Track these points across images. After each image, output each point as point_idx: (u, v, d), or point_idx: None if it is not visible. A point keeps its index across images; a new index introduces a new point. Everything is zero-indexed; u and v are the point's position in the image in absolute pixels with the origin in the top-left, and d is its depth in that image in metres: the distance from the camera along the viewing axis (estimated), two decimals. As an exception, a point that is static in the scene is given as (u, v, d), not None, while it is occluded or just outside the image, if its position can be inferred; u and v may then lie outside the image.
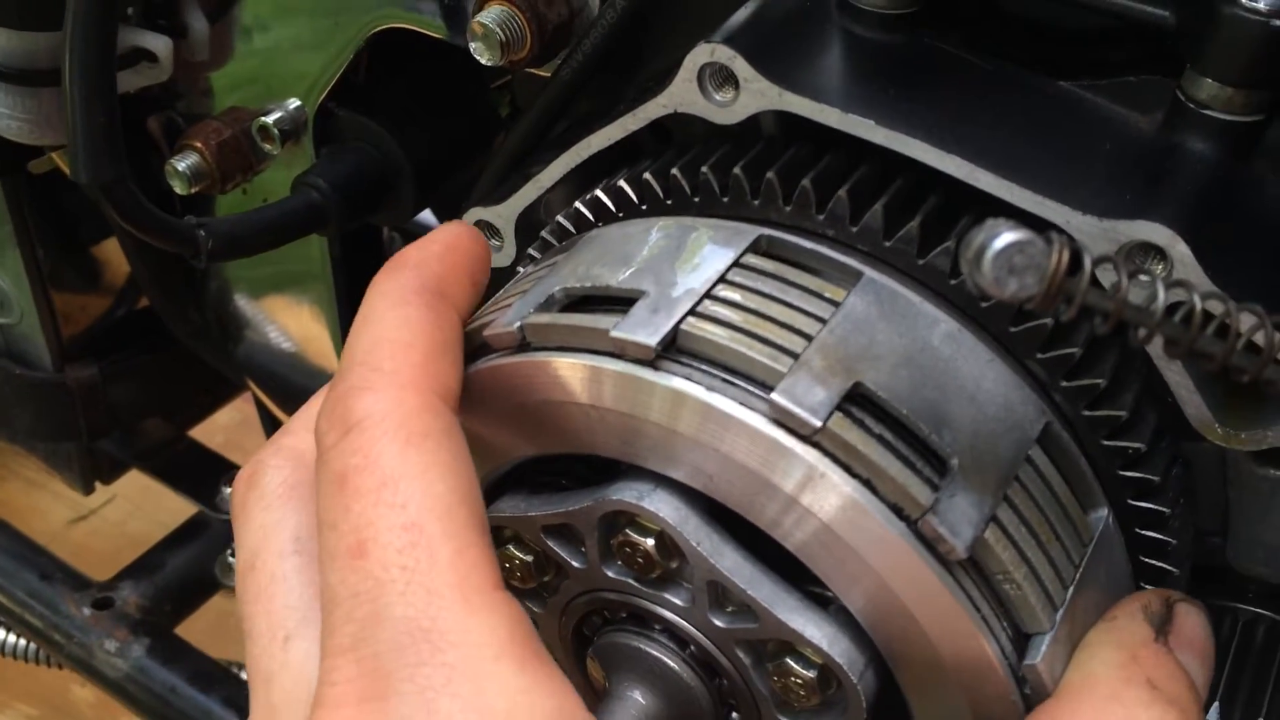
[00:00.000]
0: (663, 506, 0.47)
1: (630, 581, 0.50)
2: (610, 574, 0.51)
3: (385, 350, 0.46)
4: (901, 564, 0.43)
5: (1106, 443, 0.49)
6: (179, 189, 0.81)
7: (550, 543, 0.52)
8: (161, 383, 1.12)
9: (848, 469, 0.43)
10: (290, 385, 1.02)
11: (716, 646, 0.50)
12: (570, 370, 0.47)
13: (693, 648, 0.51)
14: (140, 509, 1.75)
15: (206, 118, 0.84)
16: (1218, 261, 0.46)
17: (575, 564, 0.52)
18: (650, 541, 0.48)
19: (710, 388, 0.44)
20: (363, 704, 0.40)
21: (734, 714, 0.52)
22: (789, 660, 0.47)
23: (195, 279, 1.01)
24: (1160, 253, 0.46)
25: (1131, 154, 0.51)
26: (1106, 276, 0.41)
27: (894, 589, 0.44)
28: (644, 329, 0.45)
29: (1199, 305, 0.37)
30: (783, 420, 0.43)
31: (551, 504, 0.51)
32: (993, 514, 0.44)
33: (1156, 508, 0.50)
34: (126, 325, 1.11)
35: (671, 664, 0.51)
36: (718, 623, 0.49)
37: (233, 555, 1.10)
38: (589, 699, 0.57)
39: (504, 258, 0.66)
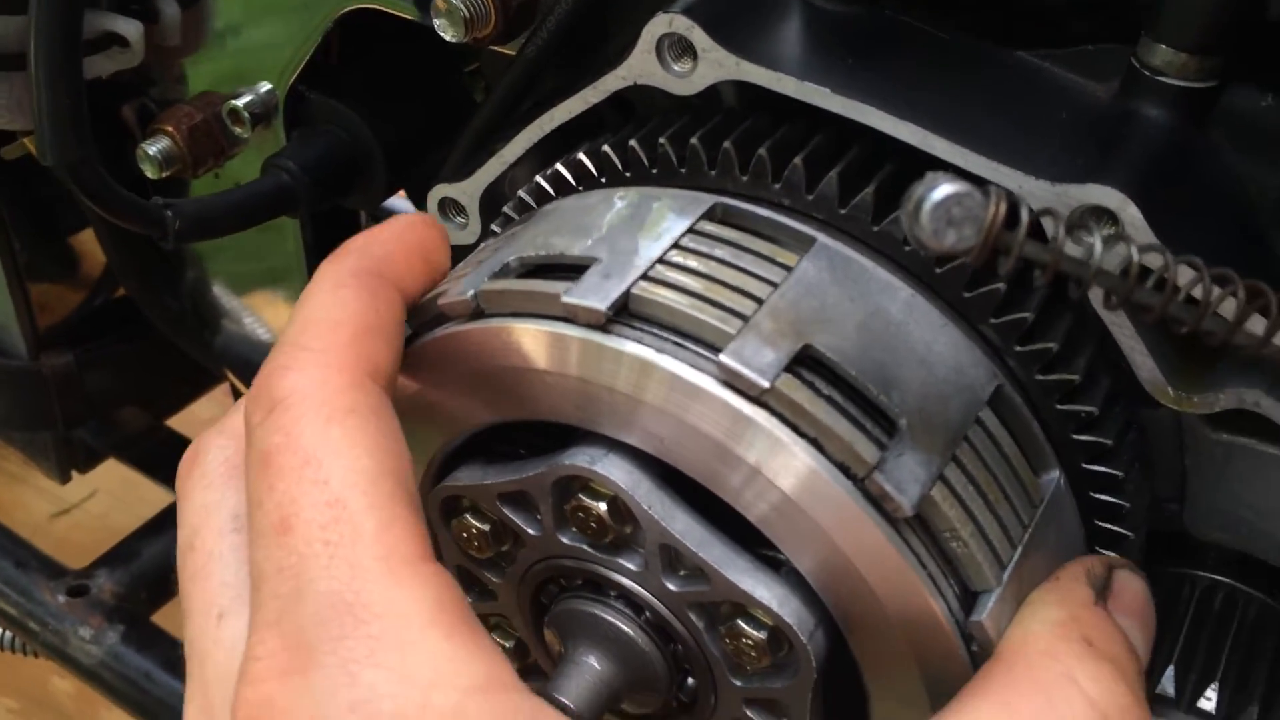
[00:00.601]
0: (615, 471, 0.47)
1: (584, 547, 0.51)
2: (565, 540, 0.51)
3: (314, 330, 0.46)
4: (849, 522, 0.43)
5: (1060, 407, 0.50)
6: (150, 173, 0.81)
7: (506, 510, 0.52)
8: (139, 371, 1.12)
9: (795, 429, 0.43)
10: (267, 374, 1.02)
11: (670, 610, 0.50)
12: (523, 336, 0.47)
13: (647, 613, 0.51)
14: (122, 502, 1.75)
15: (178, 103, 0.84)
16: (1169, 225, 0.46)
17: (531, 531, 0.52)
18: (603, 506, 0.48)
19: (660, 350, 0.45)
20: (285, 678, 0.39)
21: (689, 679, 0.52)
22: (740, 622, 0.48)
23: (171, 267, 1.01)
24: (1111, 216, 0.46)
25: (1087, 121, 0.51)
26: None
27: (842, 548, 0.44)
28: (595, 294, 0.45)
29: (1136, 257, 0.37)
30: (731, 381, 0.43)
31: (507, 472, 0.51)
32: (940, 473, 0.44)
33: (1110, 471, 0.50)
34: (104, 314, 1.11)
35: (626, 629, 0.51)
36: (671, 586, 0.49)
37: (209, 543, 1.10)
38: (548, 667, 0.57)
39: (469, 235, 0.66)
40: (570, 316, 0.46)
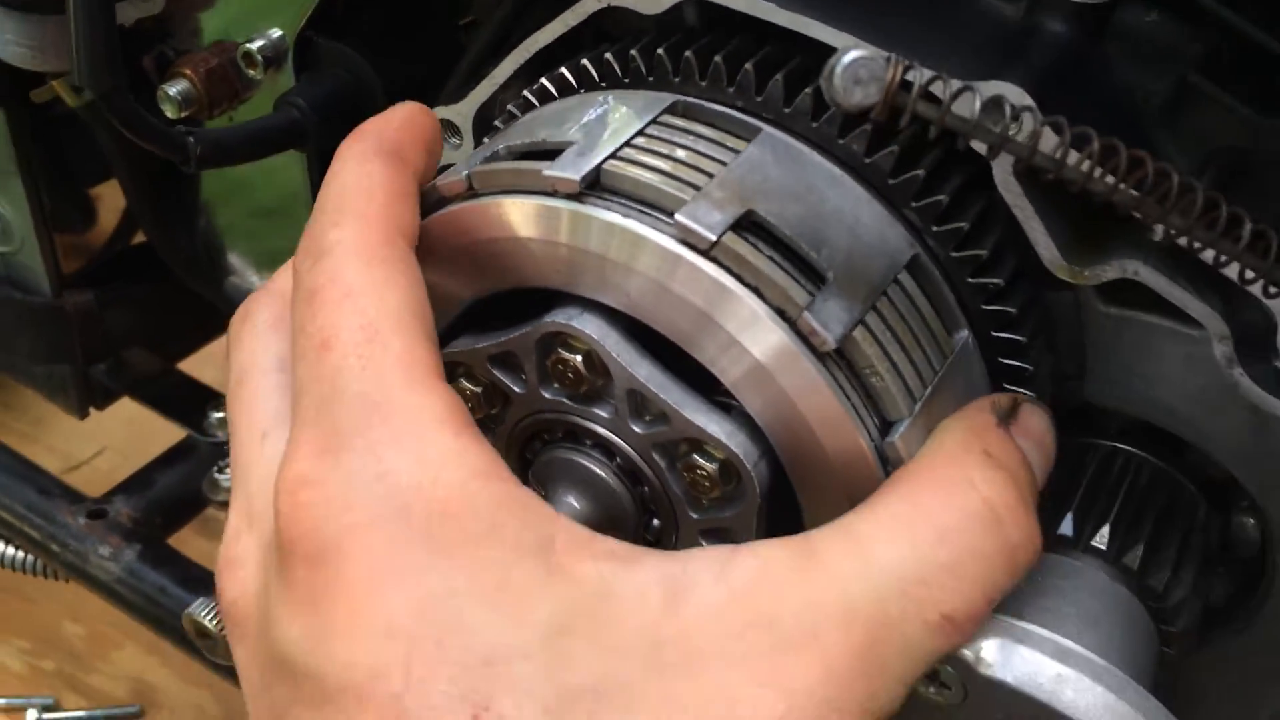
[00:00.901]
0: (589, 325, 0.55)
1: (564, 400, 0.58)
2: (547, 395, 0.59)
3: (351, 195, 0.54)
4: (784, 358, 0.51)
5: (971, 280, 0.58)
6: (169, 113, 0.89)
7: (495, 372, 0.60)
8: (155, 313, 1.19)
9: (739, 279, 0.51)
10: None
11: (637, 453, 0.58)
12: (509, 207, 0.55)
13: (619, 458, 0.58)
14: (128, 459, 1.81)
15: (193, 53, 0.92)
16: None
17: (517, 389, 0.60)
18: (579, 358, 0.56)
19: (626, 215, 0.53)
20: (320, 457, 0.47)
21: (654, 521, 0.60)
22: (696, 456, 0.55)
23: (186, 212, 1.09)
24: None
25: (999, 35, 0.60)
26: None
27: (779, 382, 0.52)
28: (571, 168, 0.53)
29: (1008, 113, 0.45)
30: (684, 237, 0.51)
31: (496, 337, 0.59)
32: (861, 318, 0.52)
33: (1015, 337, 0.58)
34: (123, 259, 1.18)
35: (600, 472, 0.59)
36: (637, 429, 0.57)
37: (219, 472, 1.17)
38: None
39: (463, 154, 0.74)
40: (550, 189, 0.54)
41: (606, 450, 0.59)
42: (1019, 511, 0.49)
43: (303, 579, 0.47)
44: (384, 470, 0.46)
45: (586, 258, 0.54)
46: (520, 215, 0.55)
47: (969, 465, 0.49)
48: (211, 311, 1.21)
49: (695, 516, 0.58)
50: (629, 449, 0.58)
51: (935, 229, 0.57)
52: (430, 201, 0.59)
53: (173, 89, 0.89)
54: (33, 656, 1.65)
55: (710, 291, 0.51)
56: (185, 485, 1.20)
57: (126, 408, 1.35)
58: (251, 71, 0.90)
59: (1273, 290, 0.48)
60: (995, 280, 0.57)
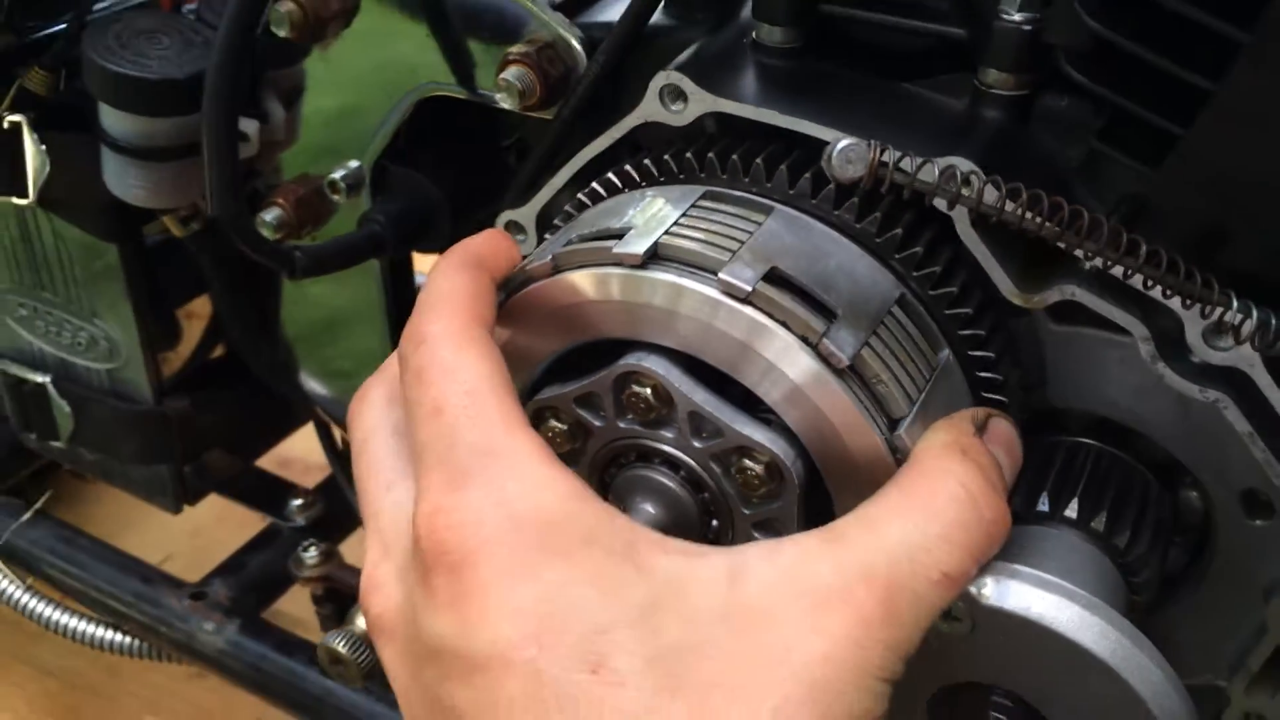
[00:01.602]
0: (655, 363, 0.71)
1: (637, 427, 0.74)
2: (622, 425, 0.74)
3: (443, 296, 0.69)
4: (810, 376, 0.67)
5: (947, 312, 0.74)
6: (266, 234, 1.06)
7: (579, 411, 0.75)
8: (238, 416, 1.35)
9: (771, 316, 0.67)
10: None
11: (698, 464, 0.73)
12: (589, 279, 0.71)
13: (683, 471, 0.74)
14: (194, 563, 1.95)
15: (285, 183, 1.09)
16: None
17: (597, 423, 0.75)
18: (648, 391, 0.72)
19: (680, 276, 0.69)
20: (449, 493, 0.61)
21: (713, 522, 0.75)
22: (745, 460, 0.71)
23: (269, 321, 1.25)
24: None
25: (948, 123, 0.77)
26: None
27: (808, 394, 0.68)
28: (634, 245, 0.70)
29: (959, 175, 0.62)
30: (727, 290, 0.68)
31: (579, 382, 0.75)
32: (866, 341, 0.68)
33: (986, 354, 0.74)
34: (207, 370, 1.35)
35: (669, 483, 0.74)
36: (697, 444, 0.72)
37: (303, 551, 1.32)
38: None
39: (528, 248, 0.90)
40: (620, 262, 0.70)
41: (672, 465, 0.74)
42: (989, 494, 0.64)
43: (445, 586, 0.60)
44: (501, 497, 0.60)
45: (649, 311, 0.70)
46: (595, 283, 0.71)
47: (949, 461, 0.64)
48: (282, 416, 1.37)
49: (747, 513, 0.73)
50: (691, 461, 0.73)
51: (915, 274, 0.73)
52: (519, 281, 0.75)
53: (268, 215, 1.06)
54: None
55: (750, 328, 0.67)
56: (273, 566, 1.35)
57: (189, 520, 1.50)
58: (335, 197, 1.07)
59: (1168, 292, 0.64)
60: (966, 310, 0.74)
